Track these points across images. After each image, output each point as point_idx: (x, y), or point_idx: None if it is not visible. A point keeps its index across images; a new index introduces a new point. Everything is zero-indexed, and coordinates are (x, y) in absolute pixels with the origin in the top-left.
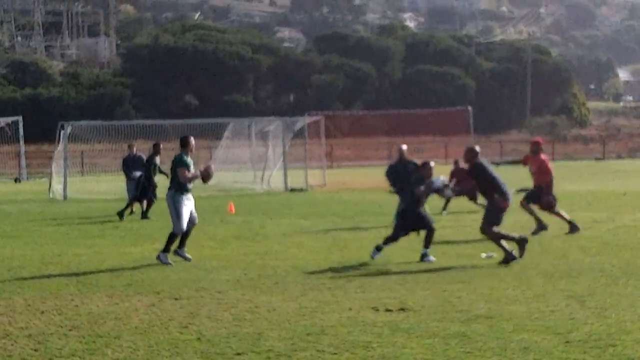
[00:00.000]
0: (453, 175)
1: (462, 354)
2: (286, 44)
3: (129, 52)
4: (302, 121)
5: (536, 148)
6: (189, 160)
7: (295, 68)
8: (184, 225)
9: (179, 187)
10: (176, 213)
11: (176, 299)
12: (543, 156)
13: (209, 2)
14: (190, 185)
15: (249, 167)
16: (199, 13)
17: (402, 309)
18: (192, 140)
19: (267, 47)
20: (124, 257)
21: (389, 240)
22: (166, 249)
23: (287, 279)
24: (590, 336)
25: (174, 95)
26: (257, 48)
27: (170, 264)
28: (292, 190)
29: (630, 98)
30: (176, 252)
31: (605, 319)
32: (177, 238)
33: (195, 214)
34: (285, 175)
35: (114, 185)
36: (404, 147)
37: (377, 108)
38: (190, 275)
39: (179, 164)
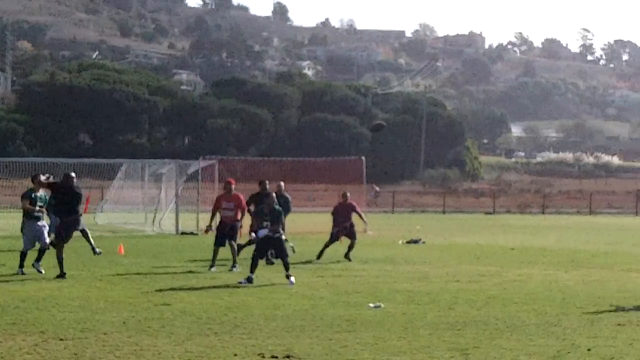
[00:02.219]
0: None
1: None
2: (184, 87)
3: (24, 89)
4: (196, 165)
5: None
6: (34, 195)
7: (191, 111)
8: (29, 244)
9: (26, 214)
10: (24, 235)
11: (61, 339)
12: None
13: (107, 42)
14: (37, 213)
15: (140, 208)
16: (96, 52)
17: (288, 356)
18: (42, 177)
19: (164, 89)
20: (10, 295)
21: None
22: (20, 265)
23: (174, 322)
24: None
25: (68, 133)
26: (154, 90)
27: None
28: (183, 233)
29: (522, 154)
30: (33, 265)
31: None
32: (26, 255)
33: (44, 236)
34: (176, 218)
35: (4, 222)
36: (282, 183)
37: (272, 154)
38: (76, 316)
39: (23, 197)
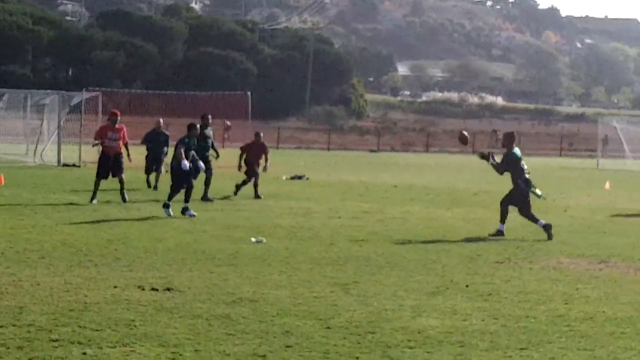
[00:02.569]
0: (246, 149)
1: (224, 336)
2: (68, 18)
3: None
4: (80, 96)
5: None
6: None
7: (76, 43)
8: None
9: None
10: None
11: None
12: None
13: None
14: None
15: (22, 139)
16: None
17: (168, 289)
18: None
19: (48, 20)
20: None
21: (171, 195)
22: None
23: (53, 253)
24: (351, 323)
25: None
26: (38, 20)
27: None
28: (65, 165)
29: (408, 93)
30: None
31: (367, 307)
32: None
33: None
34: (59, 150)
35: None
36: (161, 120)
37: (157, 88)
38: None
39: None
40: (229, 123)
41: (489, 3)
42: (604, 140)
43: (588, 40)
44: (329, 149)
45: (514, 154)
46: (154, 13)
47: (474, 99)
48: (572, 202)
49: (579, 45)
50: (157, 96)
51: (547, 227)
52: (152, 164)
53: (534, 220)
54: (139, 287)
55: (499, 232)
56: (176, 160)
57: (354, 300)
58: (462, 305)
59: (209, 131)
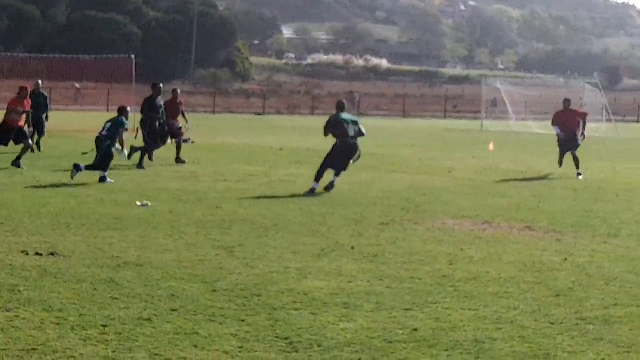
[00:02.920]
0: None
1: (109, 300)
2: None
3: None
4: None
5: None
6: None
7: None
8: None
9: None
10: None
11: None
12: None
13: None
14: None
15: None
16: None
17: (52, 254)
18: None
19: None
20: None
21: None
22: None
23: None
24: (236, 285)
25: None
26: None
27: None
28: None
29: (293, 55)
30: None
31: (253, 269)
32: None
33: None
34: None
35: None
36: (40, 81)
37: (40, 52)
38: None
39: None
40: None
41: None
42: (494, 102)
43: (472, 3)
44: (214, 112)
45: (338, 118)
46: None
47: (359, 62)
48: (456, 164)
49: (462, 7)
50: (39, 60)
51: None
52: (34, 126)
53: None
54: (22, 252)
55: (312, 191)
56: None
57: (239, 263)
58: (348, 267)
59: (160, 100)
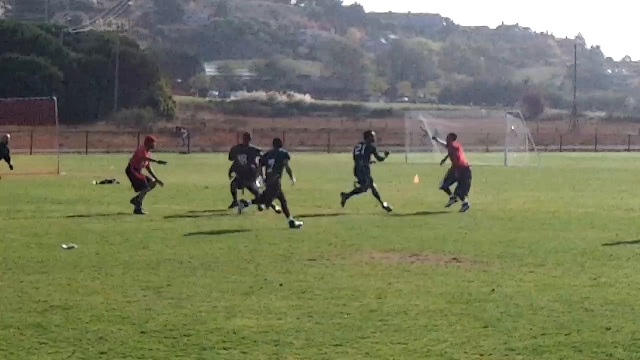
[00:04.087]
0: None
1: (37, 345)
2: None
3: None
4: None
5: None
6: None
7: None
8: None
9: None
10: None
11: None
12: None
13: None
14: None
15: None
16: None
17: None
18: None
19: None
20: None
21: None
22: None
23: None
24: (165, 326)
25: None
26: None
27: None
28: None
29: (216, 93)
30: None
31: (181, 309)
32: None
33: None
34: None
35: None
36: None
37: None
38: None
39: None
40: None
41: (292, 1)
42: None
43: (392, 36)
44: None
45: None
46: None
47: (282, 97)
48: (382, 197)
49: (383, 41)
50: None
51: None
52: None
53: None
54: None
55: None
56: None
57: (167, 304)
58: (277, 304)
59: None
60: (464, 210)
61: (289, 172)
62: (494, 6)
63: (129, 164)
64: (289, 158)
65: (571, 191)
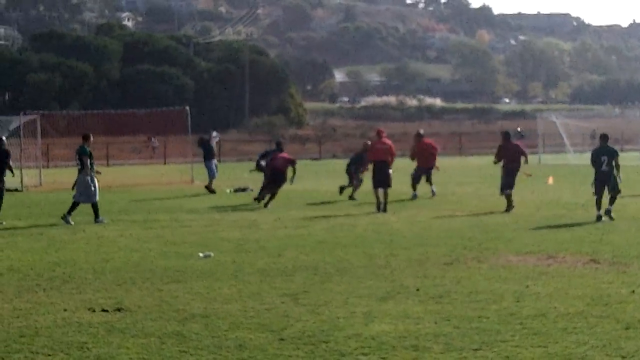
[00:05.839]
0: None
1: (177, 353)
2: (1, 42)
3: None
4: (17, 120)
5: None
6: None
7: (10, 66)
8: None
9: None
10: None
11: None
12: None
13: None
14: None
15: None
16: None
17: (119, 309)
18: None
19: None
20: None
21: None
22: None
23: (1, 280)
24: (303, 333)
25: None
26: None
27: None
28: (7, 190)
29: (346, 99)
30: None
31: (319, 316)
32: None
33: None
34: None
35: None
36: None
37: (95, 108)
38: None
39: None
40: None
41: (420, 5)
42: (592, 134)
43: (522, 37)
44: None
45: None
46: (87, 33)
47: (412, 102)
48: (516, 199)
49: (513, 42)
50: (95, 116)
51: None
52: None
53: None
54: (89, 309)
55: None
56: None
57: (305, 310)
58: (414, 309)
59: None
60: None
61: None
62: (625, 4)
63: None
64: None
65: None
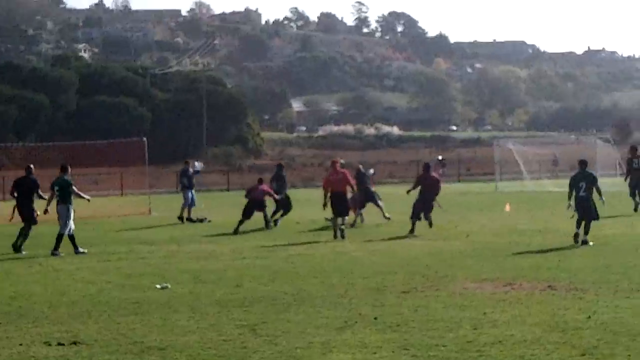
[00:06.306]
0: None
1: None
2: None
3: None
4: None
5: None
6: None
7: None
8: None
9: None
10: None
11: None
12: None
13: None
14: None
15: None
16: None
17: (75, 343)
18: None
19: None
20: None
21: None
22: None
23: None
24: None
25: None
26: None
27: None
28: None
29: (304, 128)
30: None
31: (276, 347)
32: None
33: None
34: None
35: None
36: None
37: (52, 139)
38: None
39: None
40: None
41: (377, 34)
42: (555, 162)
43: (478, 65)
44: (228, 190)
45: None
46: (44, 64)
47: (370, 130)
48: (474, 227)
49: (469, 70)
50: (51, 148)
51: None
52: None
53: None
54: (45, 342)
55: None
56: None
57: (263, 341)
58: (372, 337)
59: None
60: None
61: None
62: (580, 31)
63: None
64: None
65: None
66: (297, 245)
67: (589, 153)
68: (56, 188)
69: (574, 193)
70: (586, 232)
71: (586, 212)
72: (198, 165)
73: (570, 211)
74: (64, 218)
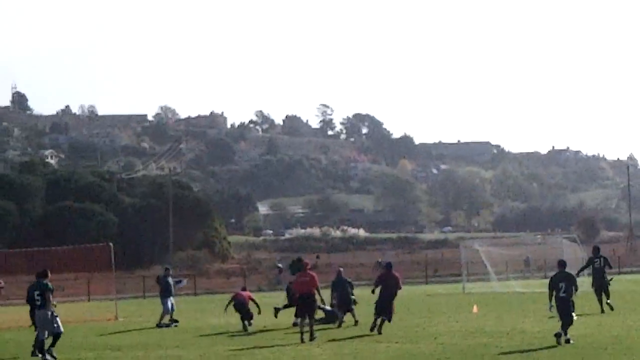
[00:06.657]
0: None
1: None
2: None
3: None
4: None
5: None
6: None
7: None
8: None
9: None
10: None
11: None
12: None
13: None
14: None
15: None
16: None
17: None
18: None
19: None
20: None
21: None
22: None
23: None
24: None
25: None
26: None
27: None
28: None
29: (270, 231)
30: None
31: None
32: None
33: None
34: None
35: None
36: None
37: (19, 246)
38: None
39: None
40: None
41: (342, 136)
42: (527, 261)
43: (443, 166)
44: (195, 294)
45: None
46: (10, 171)
47: (336, 233)
48: (441, 329)
49: (434, 171)
50: (18, 254)
51: None
52: None
53: None
54: None
55: None
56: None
57: None
58: None
59: None
60: None
61: None
62: (543, 131)
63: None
64: None
65: (633, 314)
66: (264, 348)
67: (555, 253)
68: (36, 293)
69: (554, 293)
70: (564, 331)
71: (564, 312)
72: (184, 281)
73: (553, 312)
74: (41, 322)
